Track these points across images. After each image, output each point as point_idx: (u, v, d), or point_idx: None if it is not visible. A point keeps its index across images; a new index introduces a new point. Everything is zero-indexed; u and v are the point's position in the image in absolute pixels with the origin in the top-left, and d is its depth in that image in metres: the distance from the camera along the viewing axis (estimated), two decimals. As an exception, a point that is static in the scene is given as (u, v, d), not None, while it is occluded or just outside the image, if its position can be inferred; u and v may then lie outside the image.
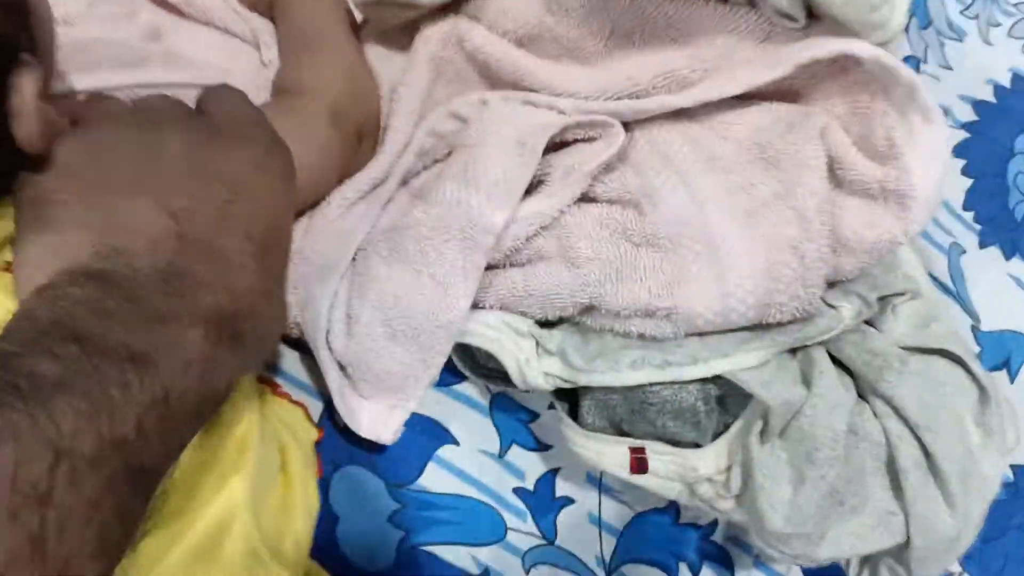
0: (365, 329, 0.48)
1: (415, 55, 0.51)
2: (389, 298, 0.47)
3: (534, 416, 0.56)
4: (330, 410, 0.54)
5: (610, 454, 0.49)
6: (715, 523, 0.55)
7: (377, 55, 0.53)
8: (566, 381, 0.48)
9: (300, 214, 0.50)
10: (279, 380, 0.54)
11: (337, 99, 0.48)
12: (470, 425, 0.55)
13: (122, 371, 0.26)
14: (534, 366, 0.48)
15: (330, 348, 0.49)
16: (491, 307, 0.49)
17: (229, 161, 0.33)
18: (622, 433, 0.49)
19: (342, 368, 0.50)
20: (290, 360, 0.55)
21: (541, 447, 0.55)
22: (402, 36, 0.52)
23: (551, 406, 0.56)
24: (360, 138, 0.50)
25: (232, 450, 0.39)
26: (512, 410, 0.55)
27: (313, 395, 0.55)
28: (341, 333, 0.49)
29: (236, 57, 0.52)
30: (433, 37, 0.51)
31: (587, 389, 0.48)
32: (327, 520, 0.53)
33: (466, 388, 0.55)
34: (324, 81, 0.48)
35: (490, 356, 0.50)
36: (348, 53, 0.51)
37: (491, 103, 0.51)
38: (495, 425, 0.55)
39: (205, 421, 0.31)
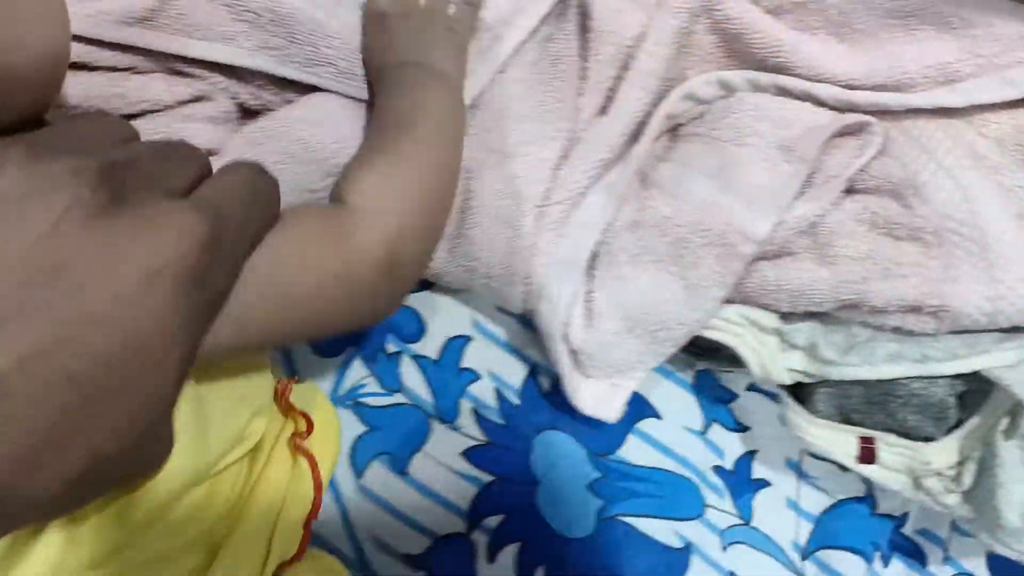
0: (605, 324, 0.48)
1: (662, 22, 0.49)
2: (635, 297, 0.47)
3: (733, 396, 0.55)
4: (534, 374, 0.54)
5: (839, 442, 0.49)
6: (906, 515, 0.55)
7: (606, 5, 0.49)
8: (811, 376, 0.48)
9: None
10: (479, 335, 0.54)
11: (401, 239, 0.35)
12: (673, 400, 0.55)
13: None
14: (778, 361, 0.48)
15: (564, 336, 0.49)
16: (732, 300, 0.49)
17: (104, 257, 0.22)
18: (848, 422, 0.49)
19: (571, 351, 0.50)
20: (487, 319, 0.55)
21: (739, 428, 0.55)
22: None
23: (749, 388, 0.56)
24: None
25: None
26: (713, 389, 0.55)
27: (517, 357, 0.54)
28: (579, 327, 0.48)
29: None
30: (687, 5, 0.49)
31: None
32: (527, 482, 0.53)
33: (670, 363, 0.55)
34: (393, 207, 0.36)
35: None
36: (442, 168, 0.40)
37: (739, 91, 0.50)
38: (698, 402, 0.55)
39: None
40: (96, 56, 0.45)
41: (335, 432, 0.51)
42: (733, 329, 0.48)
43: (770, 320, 0.48)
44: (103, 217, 0.23)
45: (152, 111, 0.47)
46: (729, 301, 0.48)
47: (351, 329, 0.36)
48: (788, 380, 0.49)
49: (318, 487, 0.45)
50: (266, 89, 0.49)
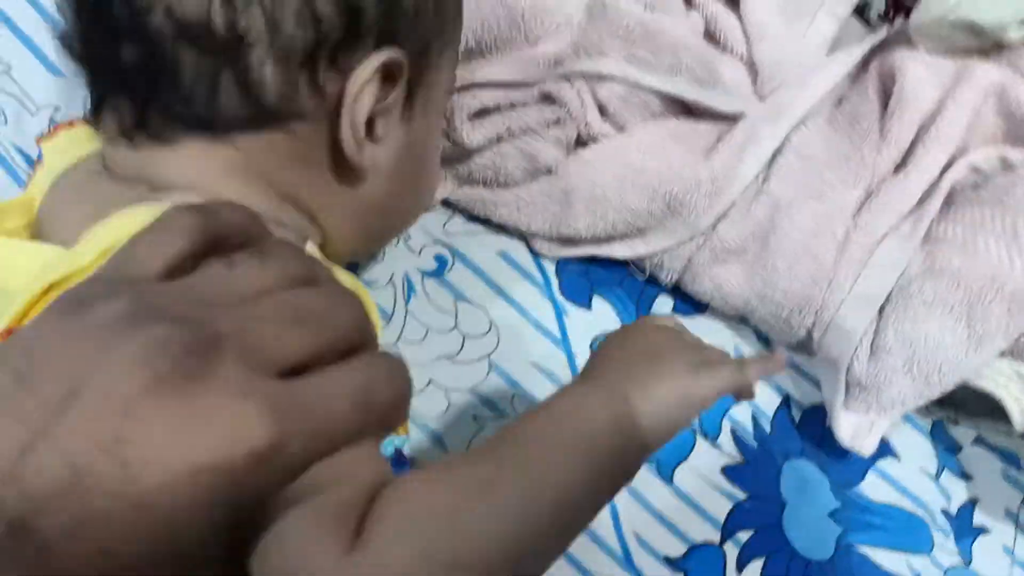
0: (889, 360, 0.52)
1: (962, 96, 0.54)
2: (920, 339, 0.51)
3: (960, 447, 0.60)
4: (786, 404, 0.58)
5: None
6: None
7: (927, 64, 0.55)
8: (1068, 428, 0.52)
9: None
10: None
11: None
12: (911, 443, 0.59)
13: None
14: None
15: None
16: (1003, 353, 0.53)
17: (161, 441, 0.21)
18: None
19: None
20: (748, 348, 0.59)
21: (964, 476, 0.59)
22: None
23: (975, 441, 0.60)
24: None
25: None
26: (944, 438, 0.60)
27: (771, 387, 0.59)
28: (863, 359, 0.53)
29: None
30: (988, 79, 0.54)
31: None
32: (776, 503, 0.57)
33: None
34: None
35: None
36: None
37: (1017, 168, 0.55)
38: (934, 448, 0.59)
39: None
40: (508, 97, 0.51)
41: None
42: (1000, 380, 0.53)
43: (1039, 376, 0.53)
44: (174, 396, 0.21)
45: (524, 134, 0.52)
46: (1001, 355, 0.53)
47: None
48: (1049, 433, 0.53)
49: None
50: (609, 119, 0.54)
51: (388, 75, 0.39)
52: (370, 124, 0.39)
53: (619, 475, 0.32)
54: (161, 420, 0.21)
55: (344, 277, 0.40)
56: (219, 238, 0.27)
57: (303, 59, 0.37)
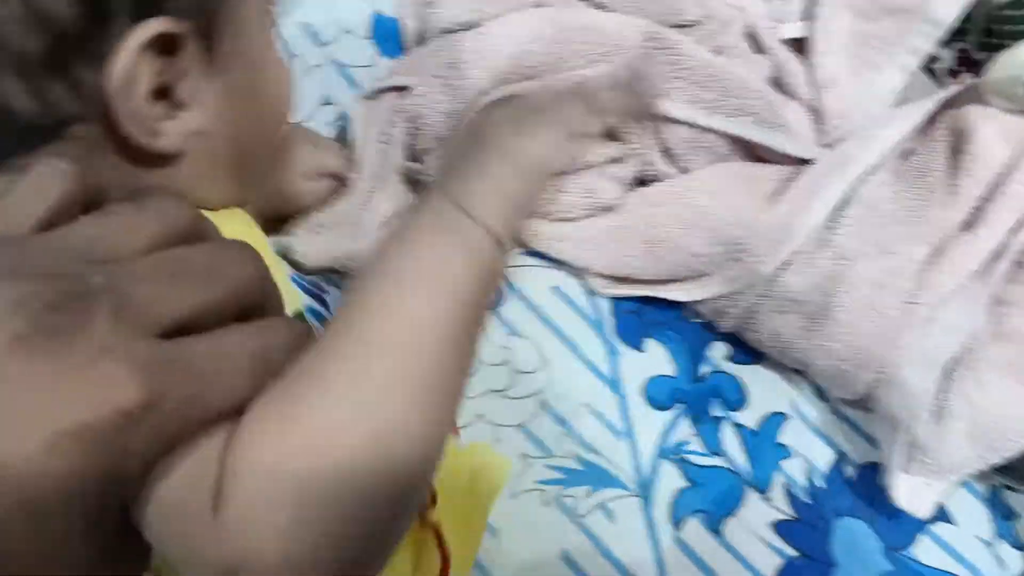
0: (952, 423, 0.51)
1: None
2: (987, 404, 0.50)
3: (1018, 516, 0.58)
4: (840, 460, 0.57)
5: None
6: None
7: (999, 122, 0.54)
8: None
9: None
10: (795, 415, 0.57)
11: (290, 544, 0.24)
12: (967, 509, 0.57)
13: None
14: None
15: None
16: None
17: (22, 406, 0.21)
18: None
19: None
20: (804, 401, 0.58)
21: (1021, 547, 0.57)
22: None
23: (1032, 510, 0.58)
24: None
25: None
26: (1001, 506, 0.58)
27: (825, 442, 0.57)
28: (925, 420, 0.51)
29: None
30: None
31: None
32: (826, 563, 0.55)
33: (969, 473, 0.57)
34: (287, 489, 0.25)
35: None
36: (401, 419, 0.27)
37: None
38: (990, 514, 0.57)
39: None
40: None
41: (479, 504, 0.46)
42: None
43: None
44: (34, 356, 0.20)
45: (583, 168, 0.52)
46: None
47: None
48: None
49: (445, 560, 0.39)
50: (673, 160, 0.53)
51: (166, 44, 0.33)
52: (166, 94, 0.34)
53: (479, 292, 0.30)
54: (19, 382, 0.20)
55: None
56: (98, 190, 0.26)
57: (46, 64, 0.32)
